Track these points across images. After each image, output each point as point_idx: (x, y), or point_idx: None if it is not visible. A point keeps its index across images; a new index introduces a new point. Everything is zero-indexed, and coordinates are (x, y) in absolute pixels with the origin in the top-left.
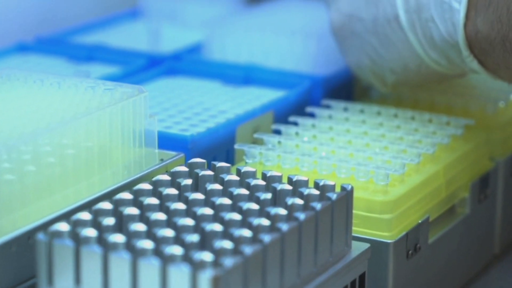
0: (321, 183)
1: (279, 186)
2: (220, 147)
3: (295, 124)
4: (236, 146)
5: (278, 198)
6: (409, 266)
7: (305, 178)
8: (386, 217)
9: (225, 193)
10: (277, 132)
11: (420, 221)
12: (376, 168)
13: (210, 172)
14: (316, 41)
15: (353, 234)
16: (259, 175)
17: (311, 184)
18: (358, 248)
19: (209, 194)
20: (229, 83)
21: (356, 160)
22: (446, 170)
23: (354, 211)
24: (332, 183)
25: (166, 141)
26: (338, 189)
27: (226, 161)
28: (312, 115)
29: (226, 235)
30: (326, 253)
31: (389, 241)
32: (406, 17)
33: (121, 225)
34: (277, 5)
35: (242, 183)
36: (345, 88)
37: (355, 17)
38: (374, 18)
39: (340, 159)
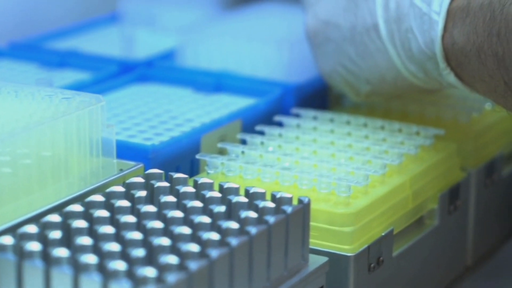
0: (278, 196)
1: (235, 199)
2: (184, 157)
3: (262, 133)
4: (197, 156)
5: (233, 211)
6: (372, 280)
7: (262, 191)
8: (347, 229)
9: (178, 205)
10: (243, 141)
11: (383, 234)
12: (338, 179)
13: (166, 184)
14: (289, 49)
15: (313, 247)
16: (217, 186)
17: (268, 197)
18: (315, 262)
19: (162, 206)
20: (200, 90)
21: (319, 171)
22: (413, 181)
23: (315, 224)
24: (289, 195)
25: (127, 151)
26: (295, 202)
27: (191, 172)
28: (280, 124)
29: (173, 249)
30: (280, 267)
31: (349, 254)
32: (385, 27)
33: (68, 239)
34: (254, 10)
35: (197, 195)
36: (319, 96)
37: (332, 23)
38: (352, 26)
39: (303, 170)
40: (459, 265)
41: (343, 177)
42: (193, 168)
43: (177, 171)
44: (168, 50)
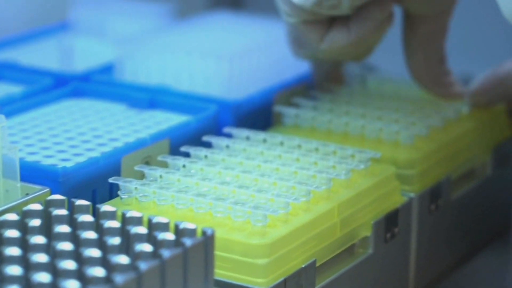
0: (181, 227)
1: (133, 230)
2: (102, 180)
3: (187, 154)
4: (110, 180)
5: (131, 243)
6: None
7: (165, 221)
8: (260, 262)
9: (72, 237)
10: (164, 164)
11: (303, 266)
12: (254, 208)
13: (64, 212)
14: (228, 64)
15: (225, 281)
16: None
17: (172, 227)
18: None
19: (54, 237)
20: (134, 106)
21: (237, 197)
22: (341, 208)
23: (228, 255)
24: (192, 227)
25: (37, 174)
26: (200, 233)
27: (110, 196)
28: (209, 145)
29: (53, 287)
30: None
31: None
32: None
33: None
34: (202, 22)
35: (96, 225)
36: (261, 114)
37: None
38: None
39: (219, 196)
40: None
41: (260, 205)
42: (113, 192)
43: (93, 195)
44: (108, 63)
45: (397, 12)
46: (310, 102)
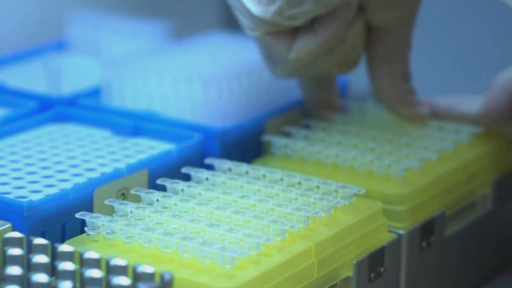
0: (139, 270)
1: (88, 273)
2: (73, 213)
3: (163, 188)
4: (77, 215)
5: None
6: None
7: (122, 263)
8: None
9: (21, 279)
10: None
11: None
12: (222, 249)
13: (19, 252)
14: (216, 89)
15: None
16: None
17: (130, 270)
18: None
19: (5, 279)
20: (119, 133)
21: (206, 236)
22: (320, 248)
23: None
24: (151, 270)
25: (2, 207)
26: (158, 278)
27: (81, 230)
28: (188, 177)
29: None
30: None
31: None
32: None
33: None
34: (195, 43)
35: (50, 267)
36: (252, 142)
37: None
38: None
39: (186, 235)
40: None
41: (228, 246)
42: (84, 227)
43: (63, 230)
44: (97, 85)
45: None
46: (302, 131)
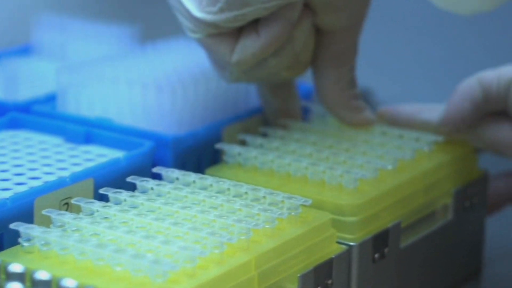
0: (62, 284)
1: (9, 286)
2: (11, 224)
3: (106, 198)
4: (11, 226)
5: None
6: None
7: (44, 277)
8: None
9: None
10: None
11: None
12: (154, 262)
13: None
14: (170, 95)
15: None
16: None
17: (54, 284)
18: None
19: None
20: (71, 141)
21: (140, 249)
22: (261, 260)
23: None
24: (73, 285)
25: None
26: None
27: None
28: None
29: None
30: None
31: None
32: None
33: None
34: (160, 47)
35: None
36: (208, 150)
37: None
38: None
39: (120, 248)
40: None
41: (161, 259)
42: None
43: (1, 241)
44: (54, 91)
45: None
46: (258, 139)
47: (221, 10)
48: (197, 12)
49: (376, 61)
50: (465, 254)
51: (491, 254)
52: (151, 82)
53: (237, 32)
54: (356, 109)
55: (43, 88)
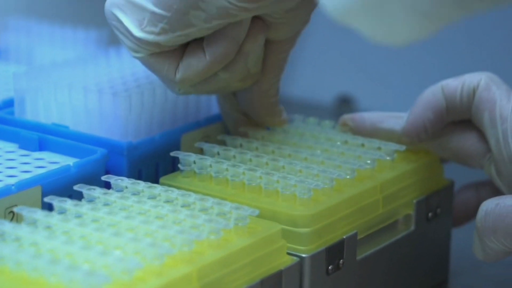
0: None
1: None
2: None
3: (50, 208)
4: None
5: None
6: None
7: None
8: None
9: None
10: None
11: None
12: (88, 274)
13: None
14: (126, 101)
15: None
16: None
17: None
18: None
19: None
20: (25, 147)
21: (77, 261)
22: (203, 273)
23: None
24: None
25: None
26: None
27: None
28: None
29: None
30: None
31: None
32: None
33: None
34: (123, 52)
35: None
36: (165, 158)
37: None
38: None
39: (53, 259)
40: None
41: (95, 272)
42: None
43: None
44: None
45: None
46: (215, 147)
47: (164, 31)
48: (138, 32)
49: (358, 68)
50: (430, 265)
51: (458, 265)
52: (107, 88)
53: (181, 49)
54: (277, 114)
55: (8, 92)
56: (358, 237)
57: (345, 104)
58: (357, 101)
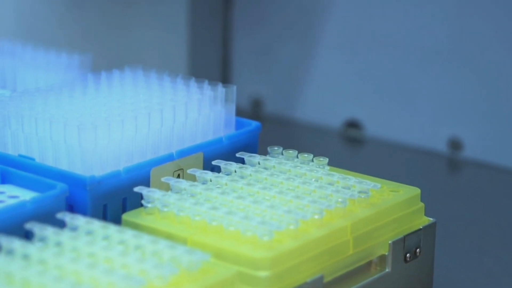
0: None
1: None
2: None
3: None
4: None
5: None
6: None
7: None
8: None
9: None
10: None
11: None
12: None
13: None
14: (91, 134)
15: None
16: None
17: None
18: None
19: None
20: None
21: None
22: None
23: None
24: None
25: None
26: None
27: None
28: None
29: None
30: None
31: None
32: None
33: None
34: (101, 80)
35: None
36: (132, 193)
37: None
38: None
39: None
40: None
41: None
42: None
43: None
44: None
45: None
46: (182, 182)
47: None
48: None
49: (367, 93)
50: None
51: None
52: (73, 120)
53: None
54: None
55: None
56: (325, 280)
57: (353, 128)
58: (365, 126)
